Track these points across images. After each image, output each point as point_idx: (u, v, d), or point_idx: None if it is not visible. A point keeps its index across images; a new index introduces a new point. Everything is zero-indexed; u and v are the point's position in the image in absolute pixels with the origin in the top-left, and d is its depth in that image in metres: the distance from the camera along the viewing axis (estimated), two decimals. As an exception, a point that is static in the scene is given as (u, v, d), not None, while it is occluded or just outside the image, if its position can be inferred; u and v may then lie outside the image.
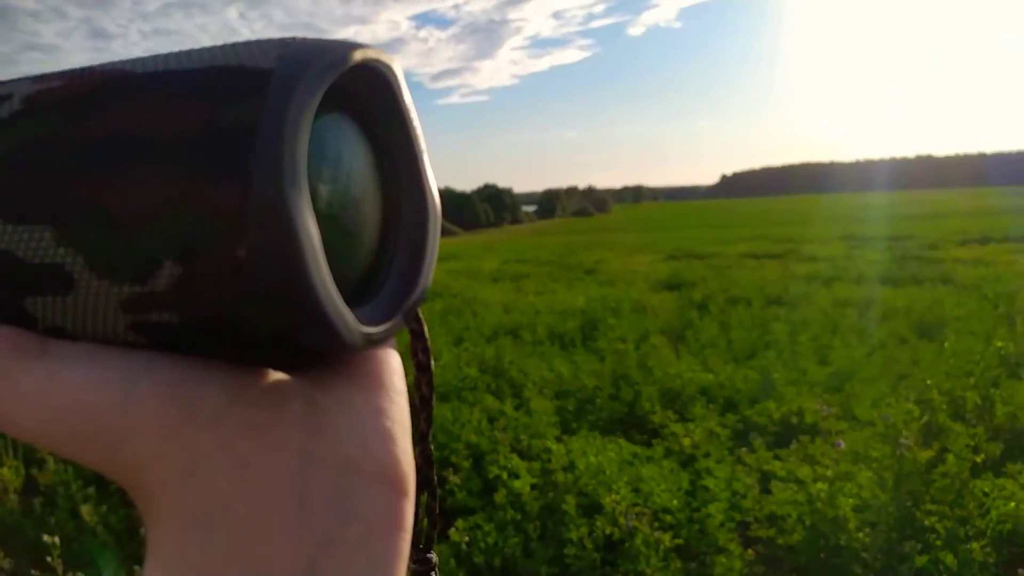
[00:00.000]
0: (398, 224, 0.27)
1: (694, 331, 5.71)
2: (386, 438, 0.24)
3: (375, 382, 0.25)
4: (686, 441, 3.19)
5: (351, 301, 0.23)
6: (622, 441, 3.31)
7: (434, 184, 0.28)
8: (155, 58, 0.23)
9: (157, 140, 0.21)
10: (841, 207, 42.80)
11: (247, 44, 0.22)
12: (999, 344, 4.69)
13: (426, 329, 0.30)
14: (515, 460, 2.85)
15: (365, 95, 0.25)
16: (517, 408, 3.78)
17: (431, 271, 0.27)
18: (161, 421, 0.21)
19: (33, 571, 2.44)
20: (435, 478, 0.31)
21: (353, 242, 0.24)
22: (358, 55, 0.22)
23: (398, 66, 0.25)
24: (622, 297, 8.08)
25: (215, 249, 0.20)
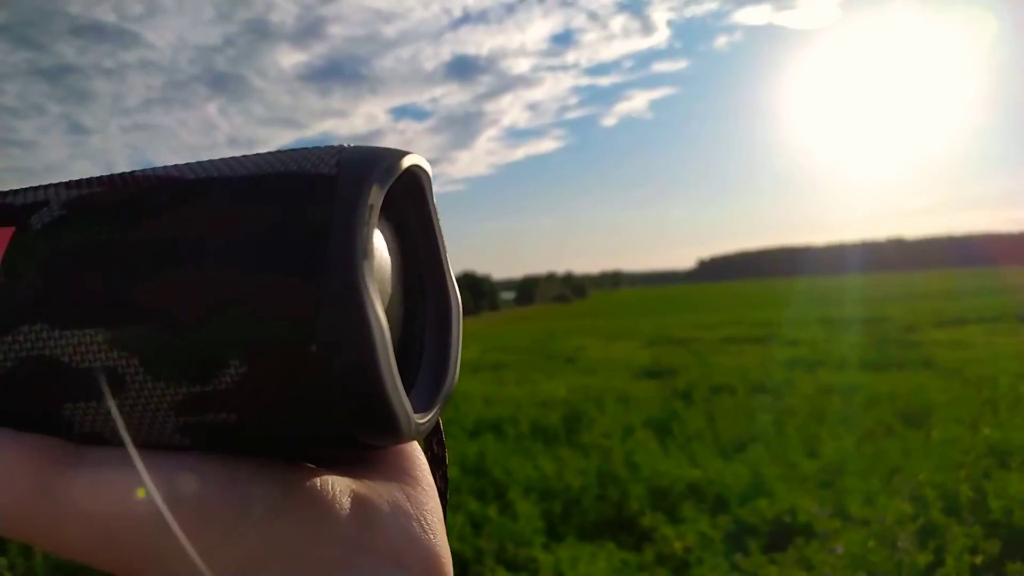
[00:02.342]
0: (423, 319, 0.28)
1: (679, 422, 5.62)
2: (428, 530, 0.24)
3: (409, 476, 0.25)
4: (677, 545, 3.08)
5: None
6: (611, 546, 3.19)
7: (455, 283, 0.29)
8: (202, 164, 0.23)
9: (223, 242, 0.21)
10: (817, 290, 43.42)
11: (302, 151, 0.23)
12: (986, 432, 4.66)
13: (440, 422, 0.30)
14: (501, 572, 2.73)
15: (401, 199, 0.26)
16: (502, 512, 3.66)
17: (458, 365, 0.28)
18: (214, 522, 0.20)
19: None
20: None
21: (392, 334, 0.24)
22: (406, 162, 0.23)
23: (431, 170, 0.26)
24: (605, 387, 8.00)
25: (285, 345, 0.20)
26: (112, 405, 0.21)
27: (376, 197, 0.21)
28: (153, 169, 0.23)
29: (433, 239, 0.28)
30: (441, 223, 0.28)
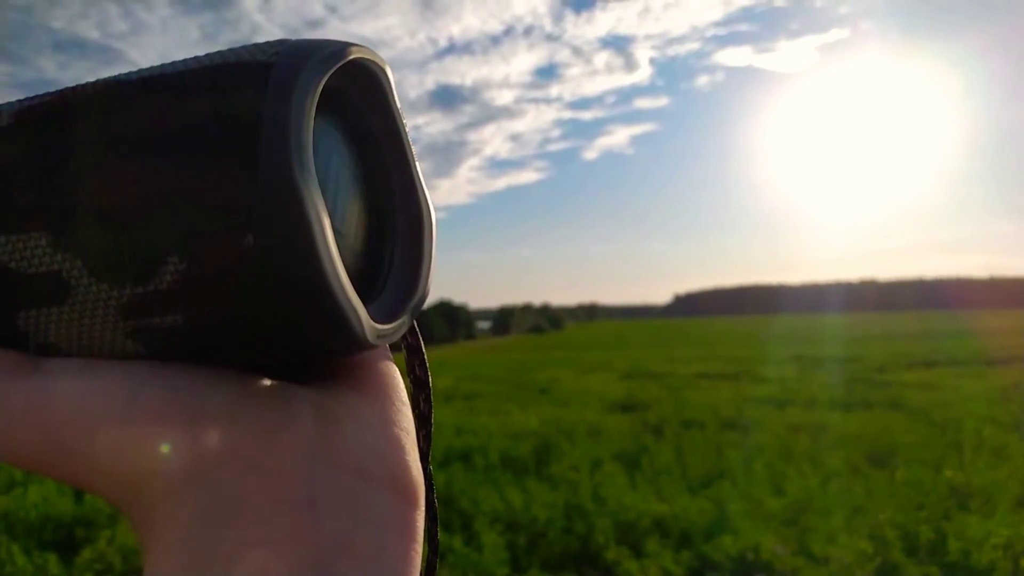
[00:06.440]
0: (392, 228, 0.26)
1: (649, 457, 5.63)
2: (396, 446, 0.23)
3: (380, 392, 0.25)
4: (641, 580, 3.08)
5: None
6: (575, 580, 3.18)
7: (426, 188, 0.27)
8: (150, 68, 0.22)
9: (155, 136, 0.20)
10: (791, 328, 43.80)
11: (243, 46, 0.22)
12: (949, 474, 4.72)
13: (423, 343, 0.29)
14: (462, 603, 2.71)
15: (355, 95, 0.25)
16: (467, 543, 3.64)
17: (430, 277, 0.27)
18: (168, 425, 0.20)
19: None
20: (435, 501, 0.29)
21: (348, 241, 0.24)
22: (354, 51, 0.22)
23: (389, 68, 0.25)
24: (576, 419, 7.99)
25: (221, 238, 0.19)
26: (61, 310, 0.21)
27: (314, 83, 0.20)
28: (106, 77, 0.23)
29: (400, 144, 0.26)
30: (407, 127, 0.27)
